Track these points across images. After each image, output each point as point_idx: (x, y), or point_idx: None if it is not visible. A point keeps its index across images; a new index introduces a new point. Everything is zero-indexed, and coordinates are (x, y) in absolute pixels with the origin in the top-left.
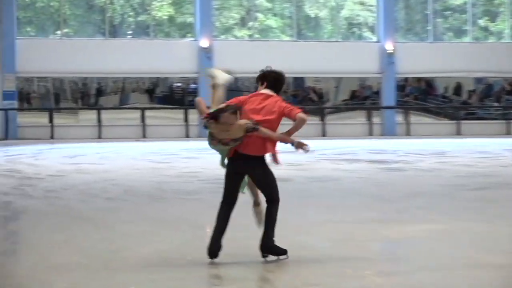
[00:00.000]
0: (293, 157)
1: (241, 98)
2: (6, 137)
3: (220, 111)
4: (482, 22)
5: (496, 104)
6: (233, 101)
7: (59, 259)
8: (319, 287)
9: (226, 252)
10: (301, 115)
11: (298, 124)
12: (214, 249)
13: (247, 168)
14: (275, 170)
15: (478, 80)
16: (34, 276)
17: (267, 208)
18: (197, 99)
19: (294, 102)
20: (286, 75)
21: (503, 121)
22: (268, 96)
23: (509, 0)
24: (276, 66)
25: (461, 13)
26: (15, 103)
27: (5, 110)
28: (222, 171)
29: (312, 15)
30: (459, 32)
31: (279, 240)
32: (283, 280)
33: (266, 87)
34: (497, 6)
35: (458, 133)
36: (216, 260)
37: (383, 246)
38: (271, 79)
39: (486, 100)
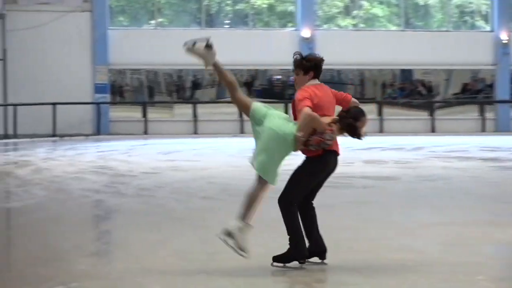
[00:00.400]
0: (400, 155)
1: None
2: (98, 132)
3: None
4: None
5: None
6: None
7: (153, 261)
8: None
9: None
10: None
11: None
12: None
13: (335, 166)
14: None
15: None
16: (127, 278)
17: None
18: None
19: (401, 96)
20: (393, 68)
21: None
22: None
23: None
24: (382, 57)
25: None
26: (107, 97)
27: (97, 103)
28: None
29: (421, 3)
30: None
31: (384, 242)
32: (390, 285)
33: (314, 77)
34: None
35: None
36: (313, 262)
37: (497, 249)
38: (320, 68)
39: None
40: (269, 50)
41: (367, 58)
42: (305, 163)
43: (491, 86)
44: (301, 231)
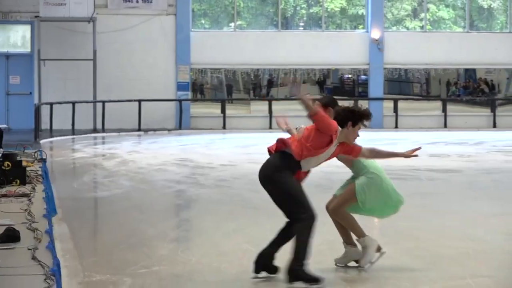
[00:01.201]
0: (462, 149)
1: None
2: (179, 127)
3: None
4: None
5: None
6: None
7: (229, 246)
8: (488, 278)
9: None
10: None
11: None
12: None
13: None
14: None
15: None
16: (205, 262)
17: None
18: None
19: (465, 94)
20: (458, 67)
21: None
22: None
23: None
24: (447, 57)
25: None
26: (188, 94)
27: (179, 100)
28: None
29: (485, 6)
30: None
31: (446, 231)
32: (451, 272)
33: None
34: None
35: None
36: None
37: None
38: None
39: None
40: (341, 50)
41: (432, 58)
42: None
43: None
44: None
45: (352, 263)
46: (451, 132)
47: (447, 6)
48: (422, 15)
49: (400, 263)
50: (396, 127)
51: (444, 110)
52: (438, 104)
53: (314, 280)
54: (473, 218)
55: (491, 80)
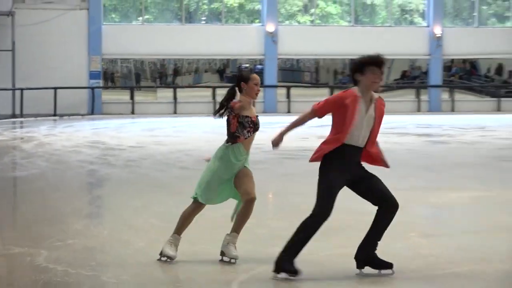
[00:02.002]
0: None
1: None
2: (92, 112)
3: None
4: None
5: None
6: None
7: (138, 221)
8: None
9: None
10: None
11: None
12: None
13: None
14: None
15: None
16: (115, 236)
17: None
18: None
19: (350, 82)
20: (344, 57)
21: None
22: None
23: None
24: (334, 50)
25: (503, 0)
26: (100, 82)
27: (92, 88)
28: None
29: (368, 2)
30: (502, 18)
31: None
32: (335, 240)
33: None
34: None
35: (499, 110)
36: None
37: (427, 210)
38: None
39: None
40: (239, 42)
41: (321, 50)
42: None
43: (426, 73)
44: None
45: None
46: None
47: (334, 2)
48: (312, 10)
49: (291, 233)
50: (289, 111)
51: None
52: (327, 90)
53: (295, 272)
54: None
55: None
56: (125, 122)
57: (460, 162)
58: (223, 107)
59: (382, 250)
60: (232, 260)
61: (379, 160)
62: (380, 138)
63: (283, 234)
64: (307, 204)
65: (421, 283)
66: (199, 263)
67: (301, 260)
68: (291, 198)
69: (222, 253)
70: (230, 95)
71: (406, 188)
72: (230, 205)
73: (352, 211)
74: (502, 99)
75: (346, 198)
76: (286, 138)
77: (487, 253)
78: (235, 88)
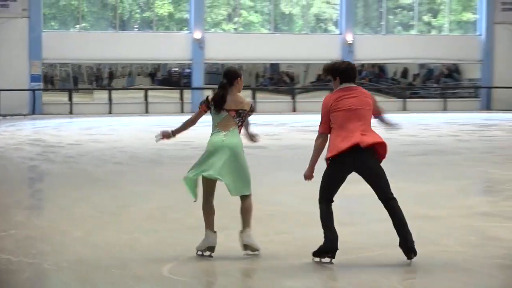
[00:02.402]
0: (268, 129)
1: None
2: (33, 112)
3: None
4: (426, 18)
5: (435, 85)
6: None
7: (76, 212)
8: (288, 235)
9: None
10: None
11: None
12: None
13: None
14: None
15: (421, 66)
16: (55, 226)
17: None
18: None
19: (270, 84)
20: (265, 62)
21: (441, 99)
22: None
23: (449, 0)
24: (256, 55)
25: (408, 10)
26: (40, 85)
27: (33, 90)
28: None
29: (286, 12)
30: (407, 26)
31: (256, 197)
32: (256, 230)
33: (342, 82)
34: (438, 4)
35: (404, 109)
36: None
37: (343, 202)
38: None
39: (427, 82)
40: (169, 48)
41: (244, 55)
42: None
43: None
44: (329, 227)
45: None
46: (259, 115)
47: (256, 11)
48: (236, 19)
49: (220, 224)
50: None
51: (254, 97)
52: (249, 92)
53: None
54: (277, 186)
55: (292, 73)
56: (64, 121)
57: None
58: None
59: (302, 237)
60: (256, 252)
61: None
62: (298, 135)
63: None
64: (232, 196)
65: (338, 266)
66: (131, 250)
67: (226, 247)
68: (216, 190)
69: (245, 247)
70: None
71: None
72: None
73: (276, 202)
74: (407, 99)
75: (274, 191)
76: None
77: (395, 239)
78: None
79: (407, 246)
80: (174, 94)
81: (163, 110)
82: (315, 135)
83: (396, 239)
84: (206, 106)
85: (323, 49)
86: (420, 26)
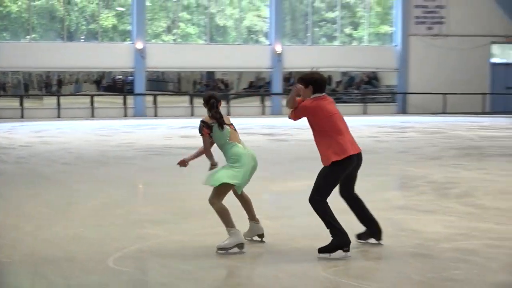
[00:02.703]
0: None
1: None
2: None
3: None
4: (347, 30)
5: (356, 91)
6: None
7: (27, 209)
8: (223, 228)
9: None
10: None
11: None
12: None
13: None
14: None
15: (344, 73)
16: (7, 222)
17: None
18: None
19: (206, 91)
20: (201, 70)
21: (362, 104)
22: None
23: (367, 14)
24: (193, 64)
25: (332, 24)
26: None
27: None
28: (153, 142)
29: (221, 24)
30: (331, 38)
31: (194, 192)
32: (195, 223)
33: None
34: (358, 18)
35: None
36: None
37: (272, 197)
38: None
39: (349, 88)
40: (113, 57)
41: (183, 63)
42: (328, 168)
43: (269, 83)
44: (337, 222)
45: (256, 238)
46: (196, 119)
47: (193, 24)
48: (175, 31)
49: (161, 218)
50: (156, 115)
51: (191, 102)
52: (187, 98)
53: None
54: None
55: (226, 80)
56: (15, 125)
57: (298, 156)
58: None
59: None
60: (264, 239)
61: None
62: None
63: (151, 218)
64: (171, 193)
65: (268, 256)
66: (78, 244)
67: (167, 240)
68: (157, 188)
69: (261, 236)
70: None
71: (254, 178)
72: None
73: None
74: None
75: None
76: (153, 136)
77: (319, 232)
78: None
79: (380, 229)
80: (118, 99)
81: (107, 115)
82: (247, 137)
83: (320, 232)
84: (207, 129)
85: (255, 59)
86: (342, 37)
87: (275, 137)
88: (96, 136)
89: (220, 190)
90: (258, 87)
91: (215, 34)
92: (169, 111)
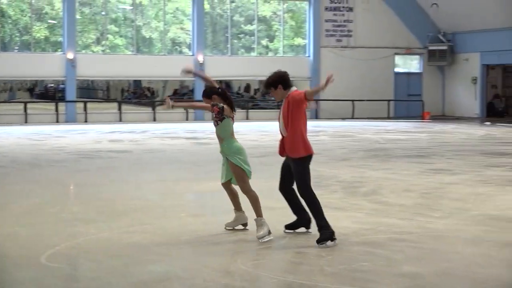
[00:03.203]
0: (132, 136)
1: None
2: None
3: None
4: (264, 42)
5: (273, 98)
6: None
7: None
8: (149, 225)
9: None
10: None
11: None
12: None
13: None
14: None
15: (261, 82)
16: None
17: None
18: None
19: (134, 97)
20: (129, 79)
21: (278, 110)
22: None
23: (282, 27)
24: (121, 73)
25: (250, 36)
26: None
27: None
28: (83, 146)
29: (147, 36)
30: (249, 49)
31: (120, 194)
32: (122, 222)
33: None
34: (274, 31)
35: (247, 118)
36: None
37: (195, 196)
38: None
39: (266, 95)
40: (45, 67)
41: (111, 72)
42: (299, 163)
43: (192, 90)
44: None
45: (239, 227)
46: (124, 124)
47: (121, 36)
48: (103, 42)
49: (91, 217)
50: (86, 121)
51: (120, 109)
52: (115, 104)
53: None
54: (140, 184)
55: (152, 88)
56: None
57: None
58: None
59: (162, 227)
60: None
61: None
62: (157, 141)
63: (82, 217)
64: (102, 193)
65: (191, 251)
66: (12, 242)
67: (97, 237)
68: (87, 188)
69: (245, 224)
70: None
71: (178, 179)
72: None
73: (139, 197)
74: (250, 110)
75: (137, 188)
76: (83, 141)
77: (238, 230)
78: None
79: (310, 218)
80: (50, 106)
81: (40, 120)
82: (172, 140)
83: (240, 228)
84: (218, 112)
85: (178, 68)
86: (260, 49)
87: (198, 140)
88: (29, 140)
89: (244, 178)
90: (182, 95)
91: (142, 45)
92: (98, 117)
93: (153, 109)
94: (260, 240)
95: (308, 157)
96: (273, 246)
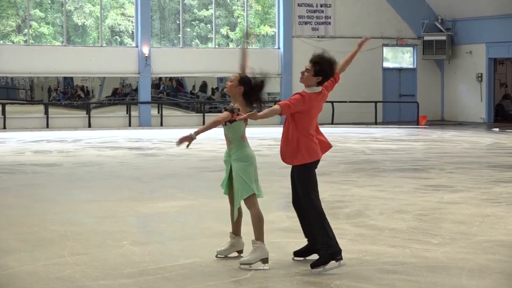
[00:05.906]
0: (62, 146)
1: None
2: None
3: None
4: (223, 31)
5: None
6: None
7: None
8: (84, 256)
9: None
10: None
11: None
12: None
13: None
14: None
15: (221, 79)
16: None
17: None
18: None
19: (64, 99)
20: (58, 75)
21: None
22: None
23: (246, 13)
24: (48, 67)
25: (206, 23)
26: None
27: None
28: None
29: (80, 24)
30: (205, 39)
31: (49, 217)
32: (52, 251)
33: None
34: (236, 17)
35: (203, 124)
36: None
37: (139, 220)
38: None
39: (226, 95)
40: None
41: (35, 68)
42: (303, 172)
43: (136, 90)
44: (330, 227)
45: (234, 254)
46: (52, 131)
47: (47, 23)
48: (26, 31)
49: (11, 246)
50: (4, 127)
51: (46, 112)
52: (41, 107)
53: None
54: (72, 205)
55: (87, 87)
56: None
57: (168, 173)
58: None
59: (99, 258)
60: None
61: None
62: (93, 152)
63: (0, 246)
64: (25, 216)
65: (135, 287)
66: None
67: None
68: (6, 210)
69: (240, 252)
70: None
71: (119, 199)
72: None
73: (70, 222)
74: (207, 114)
75: (69, 210)
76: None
77: (199, 255)
78: None
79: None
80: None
81: None
82: (111, 151)
83: (195, 259)
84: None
85: (120, 62)
86: (218, 39)
87: (143, 151)
88: None
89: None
90: (123, 95)
91: (73, 34)
92: (20, 122)
93: (88, 112)
94: (240, 266)
95: (313, 163)
96: (233, 275)
